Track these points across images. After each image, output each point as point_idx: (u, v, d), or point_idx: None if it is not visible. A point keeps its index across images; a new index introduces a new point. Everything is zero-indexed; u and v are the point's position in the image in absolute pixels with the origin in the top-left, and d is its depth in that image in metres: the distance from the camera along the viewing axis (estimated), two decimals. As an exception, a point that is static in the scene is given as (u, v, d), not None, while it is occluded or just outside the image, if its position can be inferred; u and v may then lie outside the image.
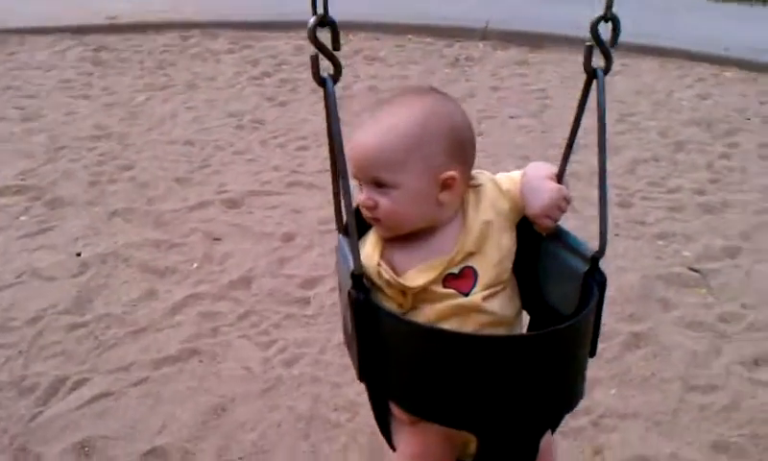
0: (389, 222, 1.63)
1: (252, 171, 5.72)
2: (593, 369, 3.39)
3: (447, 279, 1.63)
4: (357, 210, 1.69)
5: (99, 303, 4.08)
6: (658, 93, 7.76)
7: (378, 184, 1.61)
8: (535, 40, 9.29)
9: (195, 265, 4.43)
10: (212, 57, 8.78)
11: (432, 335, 1.43)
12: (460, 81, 7.94)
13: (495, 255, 1.66)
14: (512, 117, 6.87)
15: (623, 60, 8.38)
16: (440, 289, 1.62)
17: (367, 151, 1.60)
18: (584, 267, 1.61)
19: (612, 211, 5.00)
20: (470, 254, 1.64)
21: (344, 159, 1.48)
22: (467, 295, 1.62)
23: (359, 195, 1.65)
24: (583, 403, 3.17)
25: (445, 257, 1.62)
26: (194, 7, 10.39)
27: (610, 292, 3.79)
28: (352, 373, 3.22)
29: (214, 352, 3.68)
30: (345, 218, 1.56)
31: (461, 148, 1.64)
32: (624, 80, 7.90)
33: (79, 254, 4.53)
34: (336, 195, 1.59)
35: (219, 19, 9.80)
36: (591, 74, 1.59)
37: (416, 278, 1.61)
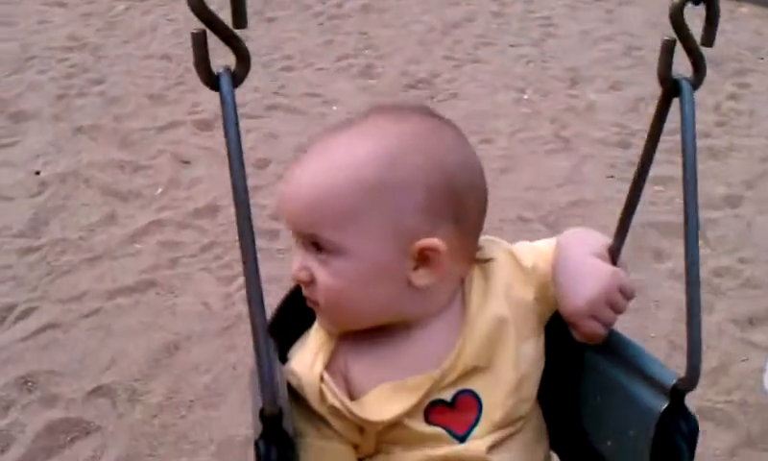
0: (331, 308, 1.07)
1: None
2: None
3: (433, 411, 1.07)
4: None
5: (55, 225, 3.90)
6: (668, 27, 7.44)
7: (318, 247, 1.05)
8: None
9: (160, 190, 4.23)
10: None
11: None
12: (460, 4, 7.61)
13: (511, 375, 1.09)
14: (512, 45, 6.58)
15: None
16: (420, 426, 1.06)
17: (302, 194, 1.06)
18: (659, 404, 1.02)
19: (610, 151, 4.79)
20: (472, 371, 1.08)
21: (247, 213, 0.95)
22: (463, 439, 1.07)
23: (294, 262, 1.11)
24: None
25: (432, 373, 1.06)
26: None
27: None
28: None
29: (172, 285, 3.52)
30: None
31: (452, 202, 1.05)
32: (633, 10, 7.58)
33: (38, 173, 4.34)
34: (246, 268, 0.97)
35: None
36: (672, 87, 1.03)
37: (380, 405, 1.05)
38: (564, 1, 7.71)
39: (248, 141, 4.75)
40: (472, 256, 1.12)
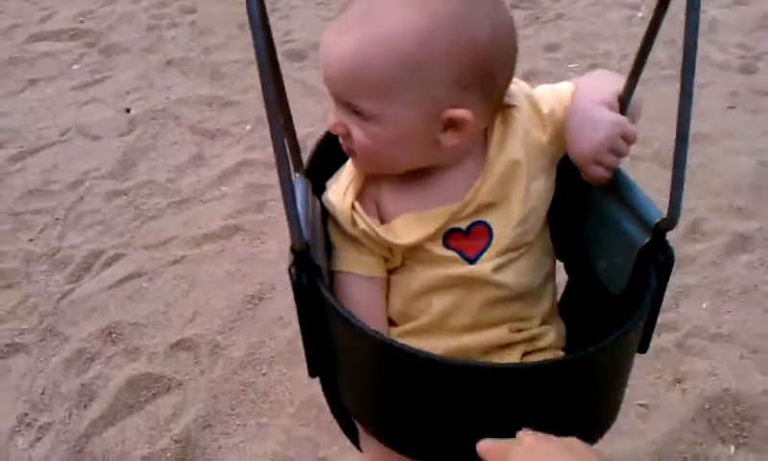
0: (365, 159, 1.23)
1: (324, 17, 5.29)
2: (683, 275, 2.98)
3: (451, 237, 1.22)
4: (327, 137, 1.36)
5: (143, 167, 3.87)
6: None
7: (354, 110, 1.18)
8: None
9: (248, 127, 4.13)
10: None
11: (389, 351, 1.05)
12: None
13: (520, 210, 1.22)
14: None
15: None
16: (438, 249, 1.22)
17: (342, 65, 1.15)
18: (643, 238, 1.15)
19: (732, 77, 4.37)
20: (486, 206, 1.22)
21: (272, 66, 1.05)
22: (472, 262, 1.22)
23: (330, 114, 1.25)
24: (668, 317, 2.80)
25: (451, 207, 1.21)
26: None
27: (717, 179, 3.36)
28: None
29: (259, 231, 3.44)
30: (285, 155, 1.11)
31: (481, 75, 1.14)
32: None
33: (128, 110, 4.30)
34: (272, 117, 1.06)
35: None
36: None
37: (406, 230, 1.22)
38: None
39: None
40: (497, 111, 1.21)
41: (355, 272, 1.27)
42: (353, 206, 1.24)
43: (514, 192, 1.21)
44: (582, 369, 1.05)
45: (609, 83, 1.23)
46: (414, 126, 1.14)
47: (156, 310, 3.06)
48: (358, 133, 1.18)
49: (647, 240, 1.14)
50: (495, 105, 1.21)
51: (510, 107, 1.23)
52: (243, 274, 3.21)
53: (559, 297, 1.44)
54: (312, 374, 1.24)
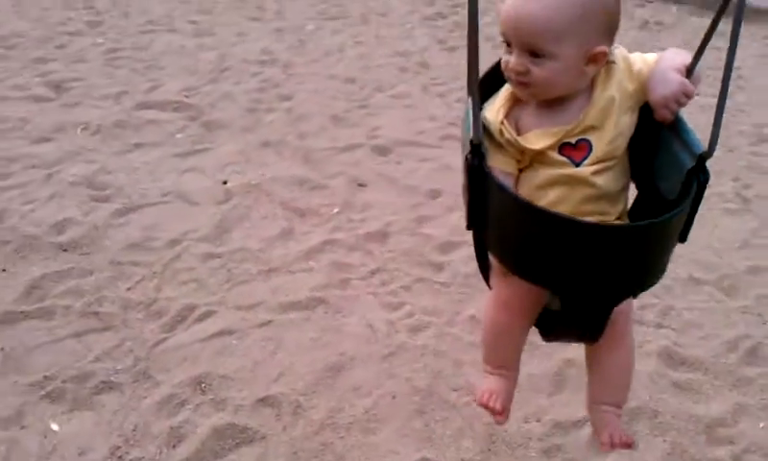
0: (536, 89, 1.66)
1: (408, 118, 5.58)
2: (743, 395, 3.09)
3: (564, 148, 1.69)
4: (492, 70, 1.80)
5: (237, 234, 4.11)
6: None
7: (533, 53, 1.61)
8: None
9: (336, 210, 4.37)
10: (388, -10, 8.64)
11: (531, 211, 1.53)
12: (647, 45, 7.40)
13: (612, 132, 1.69)
14: (697, 95, 6.32)
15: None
16: (555, 155, 1.69)
17: (531, 18, 1.58)
18: (690, 163, 1.61)
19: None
20: (590, 128, 1.69)
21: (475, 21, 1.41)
22: (578, 165, 1.68)
23: (507, 57, 1.65)
24: (728, 431, 2.91)
25: (566, 127, 1.68)
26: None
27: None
28: (477, 351, 3.09)
29: (340, 306, 3.62)
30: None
31: (614, 25, 1.67)
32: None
33: (225, 183, 4.58)
34: (471, 55, 1.46)
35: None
36: None
37: (535, 140, 1.69)
38: (756, 52, 7.35)
39: (423, 170, 4.83)
40: (606, 58, 1.68)
41: (499, 167, 1.68)
42: (502, 122, 1.68)
43: (608, 120, 1.68)
44: (652, 231, 1.54)
45: (680, 57, 1.69)
46: (574, 60, 1.61)
47: (244, 367, 3.24)
48: (536, 70, 1.61)
49: (693, 164, 1.59)
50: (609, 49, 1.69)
51: (611, 62, 1.70)
52: (325, 343, 3.39)
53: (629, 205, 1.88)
54: (469, 227, 1.68)
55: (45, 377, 3.18)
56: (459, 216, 4.23)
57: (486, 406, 1.83)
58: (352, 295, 3.69)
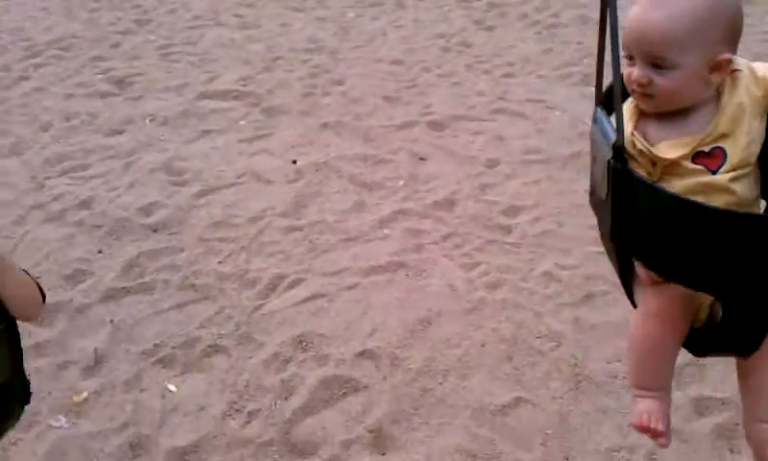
0: (660, 99, 1.65)
1: (457, 94, 5.78)
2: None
3: (698, 157, 1.65)
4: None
5: (313, 209, 4.34)
6: None
7: (656, 64, 1.61)
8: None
9: (401, 182, 4.58)
10: (420, -24, 8.82)
11: (689, 207, 1.51)
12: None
13: (745, 139, 1.65)
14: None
15: None
16: (689, 165, 1.64)
17: (655, 29, 1.60)
18: None
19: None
20: (722, 136, 1.65)
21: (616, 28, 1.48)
22: (714, 173, 1.64)
23: (630, 69, 1.65)
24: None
25: (699, 136, 1.64)
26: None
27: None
28: (555, 303, 3.29)
29: (419, 268, 3.84)
30: (605, 90, 1.69)
31: (737, 32, 1.66)
32: None
33: (294, 162, 4.80)
34: (599, 65, 1.62)
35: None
36: None
37: (668, 151, 1.65)
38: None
39: (478, 142, 5.04)
40: (731, 65, 1.66)
41: None
42: (633, 134, 1.66)
43: (740, 126, 1.65)
44: None
45: None
46: (698, 69, 1.60)
47: (338, 326, 3.47)
48: (660, 80, 1.61)
49: None
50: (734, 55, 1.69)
51: (736, 70, 1.68)
52: (410, 301, 3.61)
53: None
54: (612, 239, 1.67)
55: (155, 345, 3.42)
56: (519, 182, 4.49)
57: (646, 428, 1.76)
58: (429, 258, 3.91)
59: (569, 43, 6.74)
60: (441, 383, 3.15)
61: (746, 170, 1.67)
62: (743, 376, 1.79)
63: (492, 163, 4.78)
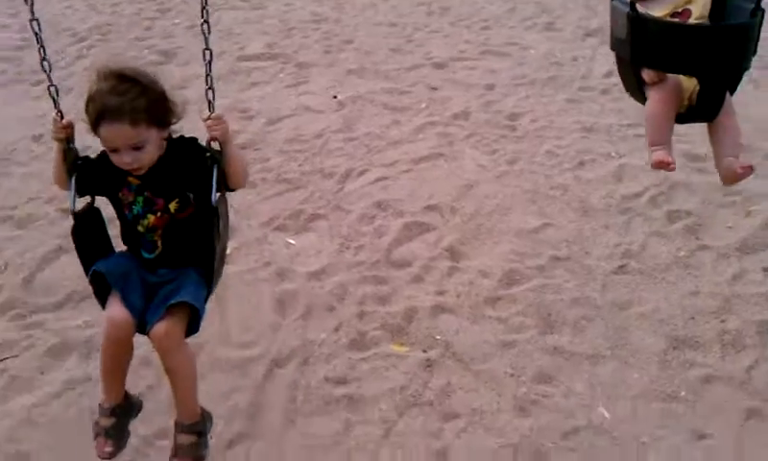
0: None
1: (449, 44, 6.90)
2: None
3: (673, 15, 2.49)
4: None
5: (360, 126, 5.40)
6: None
7: None
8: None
9: (424, 104, 5.69)
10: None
11: (674, 25, 2.45)
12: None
13: (702, 2, 2.49)
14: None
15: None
16: (669, 18, 2.49)
17: None
18: (751, 5, 2.39)
19: None
20: (688, 2, 2.49)
21: None
22: (685, 22, 2.50)
23: None
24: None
25: (674, 2, 2.49)
26: None
27: None
28: (558, 169, 4.39)
29: (454, 156, 4.95)
30: None
31: None
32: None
33: (335, 97, 5.86)
34: None
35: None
36: None
37: (658, 11, 2.48)
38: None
39: (475, 75, 6.18)
40: None
41: None
42: (636, 4, 2.39)
43: None
44: (750, 26, 2.36)
45: None
46: None
47: (404, 194, 4.54)
48: None
49: (753, 5, 2.38)
50: None
51: None
52: (453, 175, 4.71)
53: None
54: (633, 60, 2.49)
55: (270, 219, 4.41)
56: (514, 99, 5.62)
57: (661, 163, 2.51)
58: (459, 150, 5.02)
59: (528, 2, 7.95)
60: (488, 220, 4.26)
61: (702, 20, 2.50)
62: (712, 132, 2.61)
63: (489, 87, 5.92)
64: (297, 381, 3.24)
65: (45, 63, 2.29)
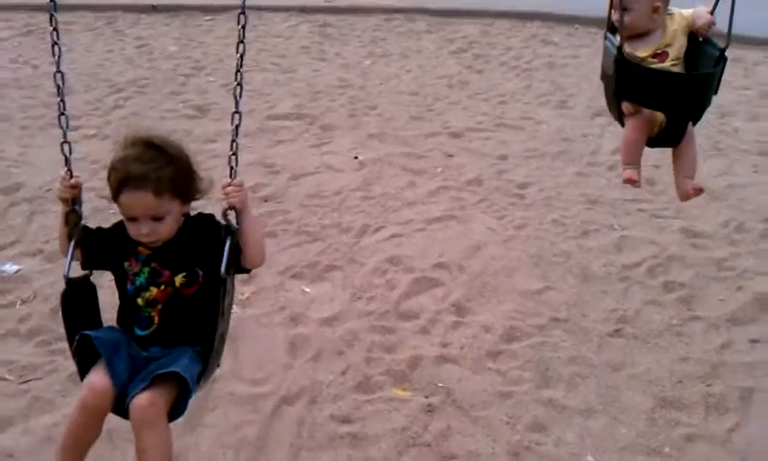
0: (633, 24, 2.85)
1: (466, 115, 7.20)
2: None
3: (655, 55, 2.91)
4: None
5: (379, 186, 5.66)
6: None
7: (624, 9, 2.77)
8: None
9: (439, 170, 5.95)
10: (415, 35, 10.32)
11: (651, 71, 2.85)
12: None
13: (678, 45, 2.91)
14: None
15: None
16: (651, 59, 2.91)
17: None
18: (717, 54, 2.86)
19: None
20: (667, 45, 2.91)
21: None
22: (663, 63, 2.91)
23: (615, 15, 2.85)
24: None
25: (655, 45, 2.91)
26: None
27: None
28: (563, 237, 4.61)
29: (465, 219, 5.18)
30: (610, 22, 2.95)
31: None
32: None
33: (356, 157, 6.14)
34: (609, 11, 2.87)
35: (417, 6, 11.35)
36: None
37: (641, 51, 2.90)
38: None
39: (489, 145, 6.46)
40: (665, 12, 2.90)
41: None
42: (623, 45, 2.79)
43: (676, 40, 2.91)
44: (710, 76, 2.83)
45: (706, 8, 2.93)
46: (644, 12, 2.84)
47: (416, 251, 4.76)
48: (626, 19, 2.78)
49: (718, 54, 2.85)
50: (666, 7, 2.91)
51: (671, 13, 2.93)
52: (464, 237, 4.93)
53: None
54: (615, 95, 2.92)
55: (287, 268, 4.61)
56: (525, 170, 5.87)
57: (631, 179, 3.03)
58: (470, 213, 5.25)
59: (543, 81, 8.27)
60: (494, 279, 4.47)
61: (677, 62, 2.92)
62: (675, 155, 3.09)
63: (502, 157, 6.19)
64: (304, 418, 3.40)
65: (63, 118, 2.28)
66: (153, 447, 2.09)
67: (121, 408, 2.14)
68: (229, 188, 2.22)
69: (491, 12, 10.95)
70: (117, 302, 2.37)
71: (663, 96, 2.83)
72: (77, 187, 2.26)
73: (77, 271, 2.36)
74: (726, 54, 2.87)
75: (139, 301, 2.27)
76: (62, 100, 2.29)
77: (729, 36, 2.83)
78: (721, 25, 2.89)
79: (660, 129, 3.01)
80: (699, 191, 3.07)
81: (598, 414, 3.41)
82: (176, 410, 2.17)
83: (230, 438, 3.27)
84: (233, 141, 2.30)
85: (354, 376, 3.66)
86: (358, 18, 11.04)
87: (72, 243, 2.25)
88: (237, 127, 2.30)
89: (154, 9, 11.33)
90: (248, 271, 2.31)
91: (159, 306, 2.26)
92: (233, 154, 2.29)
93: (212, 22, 10.79)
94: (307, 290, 4.43)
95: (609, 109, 3.16)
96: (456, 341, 3.91)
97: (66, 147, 2.27)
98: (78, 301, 2.30)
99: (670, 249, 4.74)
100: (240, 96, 2.30)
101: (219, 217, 2.26)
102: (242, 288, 4.38)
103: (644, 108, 2.93)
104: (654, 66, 2.89)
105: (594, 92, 7.81)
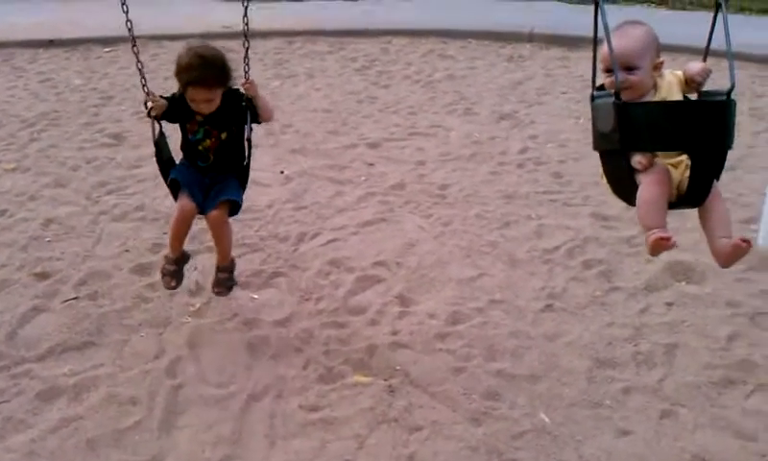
0: (634, 88, 2.64)
1: (380, 127, 7.51)
2: None
3: None
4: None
5: (308, 197, 5.86)
6: None
7: (629, 69, 2.60)
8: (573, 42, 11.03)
9: (363, 178, 6.22)
10: (318, 55, 10.61)
11: (659, 105, 2.64)
12: (517, 71, 9.73)
13: (675, 99, 2.68)
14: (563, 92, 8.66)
15: None
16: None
17: (629, 49, 2.59)
18: (723, 97, 2.55)
19: None
20: (663, 99, 2.67)
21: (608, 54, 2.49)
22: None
23: (609, 79, 2.65)
24: None
25: (652, 97, 2.68)
26: (294, 18, 12.23)
27: None
28: (487, 228, 4.95)
29: (395, 220, 5.45)
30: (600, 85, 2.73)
31: (659, 49, 2.71)
32: None
33: (282, 172, 6.33)
34: (594, 69, 2.64)
35: (316, 28, 11.64)
36: None
37: None
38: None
39: (406, 152, 6.77)
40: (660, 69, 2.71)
41: None
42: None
43: (672, 95, 2.68)
44: (729, 104, 2.52)
45: (699, 61, 2.72)
46: (649, 70, 2.64)
47: (354, 253, 4.98)
48: (633, 77, 2.61)
49: (726, 95, 2.52)
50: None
51: (661, 73, 2.72)
52: (397, 237, 5.20)
53: None
54: (622, 149, 2.58)
55: (241, 273, 4.78)
56: (443, 172, 6.21)
57: (659, 244, 2.55)
58: (399, 215, 5.53)
59: (447, 92, 8.71)
60: (431, 271, 4.75)
61: None
62: (704, 218, 2.72)
63: (420, 163, 6.51)
64: (274, 411, 3.54)
65: None
66: (224, 235, 3.96)
67: (202, 213, 3.79)
68: (246, 85, 3.68)
69: (387, 30, 11.38)
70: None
71: (677, 130, 2.49)
72: (157, 99, 3.61)
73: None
74: (732, 95, 2.55)
75: (200, 147, 3.79)
76: None
77: (731, 73, 2.53)
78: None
79: (680, 191, 2.69)
80: (743, 244, 2.55)
81: (543, 379, 3.72)
82: (232, 213, 3.90)
83: (206, 436, 3.38)
84: (246, 48, 3.74)
85: (316, 368, 3.84)
86: (256, 42, 11.16)
87: (155, 124, 3.77)
88: (247, 50, 3.77)
89: (51, 43, 11.15)
90: (261, 122, 3.87)
91: (212, 150, 3.80)
92: (246, 64, 3.77)
93: (113, 53, 10.72)
94: (255, 297, 4.57)
95: (611, 186, 2.84)
96: (405, 328, 4.15)
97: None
98: (160, 147, 3.82)
99: (585, 232, 5.17)
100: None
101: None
102: (192, 300, 4.49)
103: (659, 151, 2.65)
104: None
105: (495, 99, 8.31)
